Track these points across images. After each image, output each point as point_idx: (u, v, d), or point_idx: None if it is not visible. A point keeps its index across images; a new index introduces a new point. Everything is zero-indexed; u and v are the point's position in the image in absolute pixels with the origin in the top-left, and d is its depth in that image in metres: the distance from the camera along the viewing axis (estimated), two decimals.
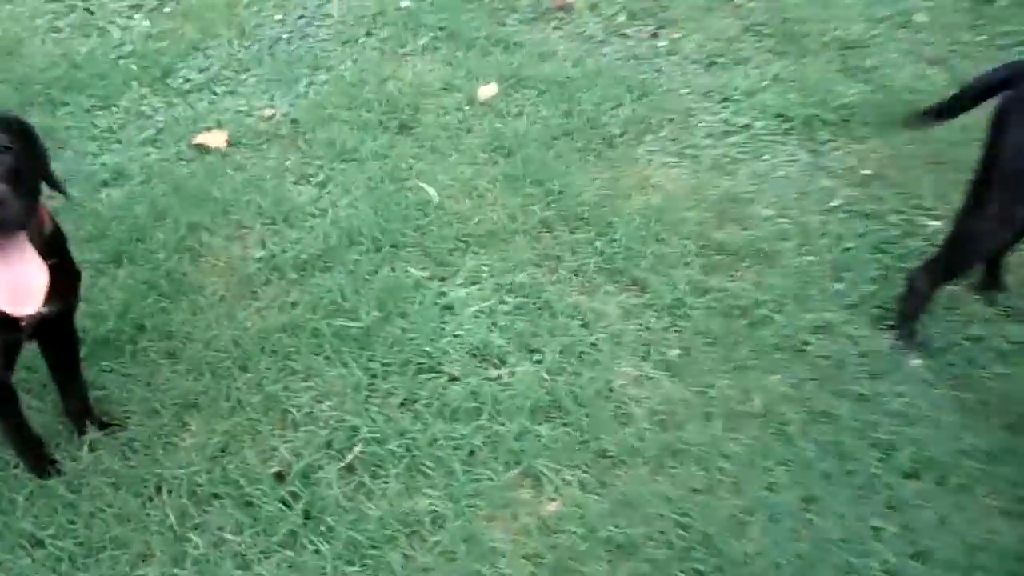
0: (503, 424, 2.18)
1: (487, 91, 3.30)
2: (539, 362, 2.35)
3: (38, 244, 1.63)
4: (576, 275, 2.60)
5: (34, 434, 2.10)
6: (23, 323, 1.75)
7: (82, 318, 2.31)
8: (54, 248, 1.78)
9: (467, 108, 3.24)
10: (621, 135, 3.07)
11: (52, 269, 1.61)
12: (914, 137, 2.92)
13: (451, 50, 3.56)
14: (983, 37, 3.49)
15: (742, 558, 1.89)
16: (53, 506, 2.07)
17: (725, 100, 3.21)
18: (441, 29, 3.66)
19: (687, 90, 3.27)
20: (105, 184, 3.03)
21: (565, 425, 2.19)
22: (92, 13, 4.00)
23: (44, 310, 1.67)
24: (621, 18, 3.70)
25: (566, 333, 2.42)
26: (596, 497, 2.04)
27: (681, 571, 1.87)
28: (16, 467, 2.12)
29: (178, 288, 2.59)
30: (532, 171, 2.92)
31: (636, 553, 1.92)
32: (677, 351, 2.37)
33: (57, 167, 2.92)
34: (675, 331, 2.43)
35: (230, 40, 3.71)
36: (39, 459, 2.11)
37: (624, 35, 3.61)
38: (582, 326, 2.44)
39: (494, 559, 1.93)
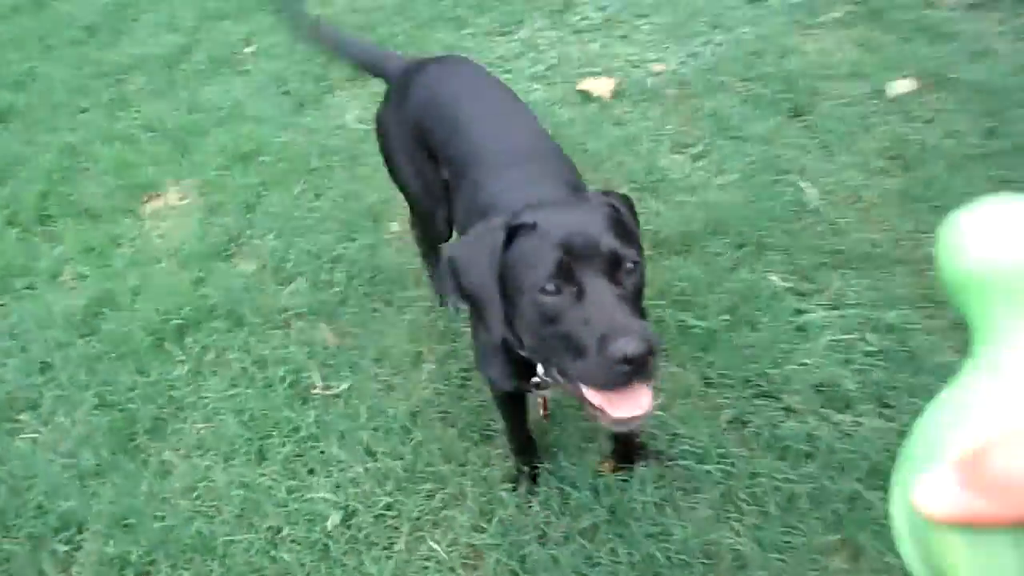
0: (833, 480, 2.01)
1: (901, 86, 2.95)
2: (891, 420, 2.12)
3: None
4: (957, 328, 2.29)
5: (529, 437, 2.09)
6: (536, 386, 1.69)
7: None
8: None
9: (873, 102, 2.92)
10: None
11: None
12: None
13: (868, 29, 3.22)
14: None
15: None
16: (389, 425, 2.26)
17: None
18: (861, 3, 3.30)
19: None
20: None
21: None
22: None
23: None
24: None
25: (928, 394, 2.14)
26: None
27: None
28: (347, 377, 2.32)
29: None
30: (933, 193, 2.59)
31: None
32: None
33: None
34: None
35: None
36: (523, 456, 2.10)
37: None
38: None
39: None
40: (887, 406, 2.15)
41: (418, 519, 2.09)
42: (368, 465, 2.20)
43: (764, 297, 2.40)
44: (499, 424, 2.21)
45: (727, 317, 2.35)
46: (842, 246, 2.50)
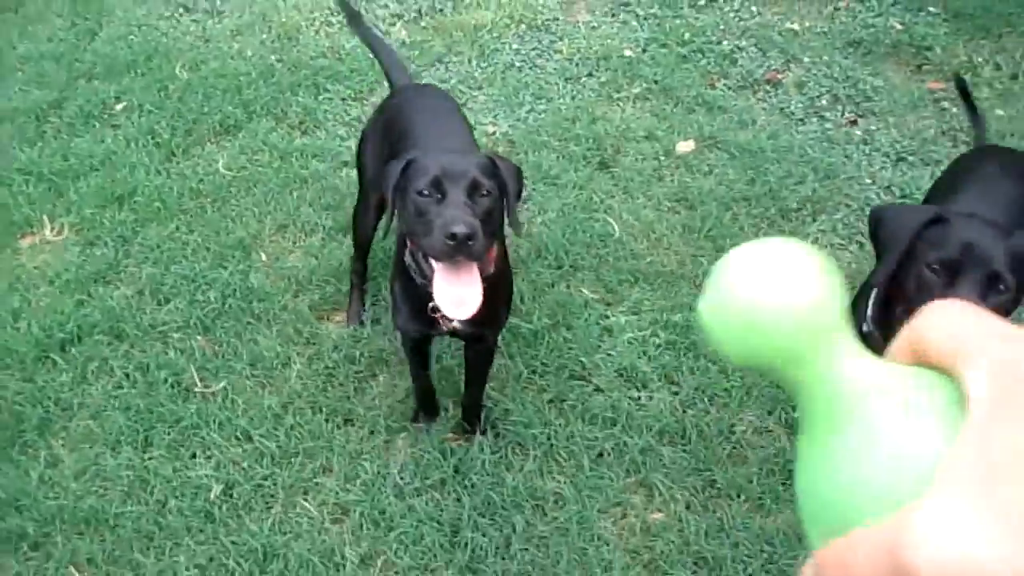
0: (632, 437, 2.53)
1: (684, 146, 3.64)
2: (676, 393, 2.68)
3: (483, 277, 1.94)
4: None
5: (432, 389, 2.57)
6: (440, 325, 2.16)
7: (308, 259, 2.87)
8: (495, 287, 2.08)
9: (663, 158, 3.59)
10: (797, 210, 3.34)
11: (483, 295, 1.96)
12: None
13: (660, 103, 3.93)
14: None
15: None
16: (264, 414, 2.62)
17: (904, 197, 3.40)
18: (655, 82, 4.03)
19: (870, 181, 3.48)
20: (345, 165, 3.60)
21: (685, 451, 2.52)
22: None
23: (459, 325, 2.10)
24: (824, 101, 3.94)
25: (705, 374, 2.73)
26: (697, 517, 2.35)
27: None
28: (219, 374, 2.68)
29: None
30: (708, 226, 3.24)
31: (720, 572, 2.22)
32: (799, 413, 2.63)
33: (309, 141, 3.55)
34: None
35: (470, 59, 4.24)
36: (424, 407, 2.58)
37: (823, 117, 3.85)
38: (720, 372, 2.74)
39: (599, 544, 2.29)
40: (673, 383, 2.72)
41: (291, 487, 2.44)
42: (245, 447, 2.54)
43: (577, 306, 2.94)
44: (360, 408, 2.62)
45: (548, 321, 2.88)
46: (639, 267, 3.10)
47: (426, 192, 1.86)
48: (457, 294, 1.84)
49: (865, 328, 1.99)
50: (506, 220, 2.06)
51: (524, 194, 2.66)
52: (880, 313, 1.98)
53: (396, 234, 2.23)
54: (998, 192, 2.18)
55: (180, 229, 3.28)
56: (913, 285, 1.82)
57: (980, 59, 4.11)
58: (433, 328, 2.19)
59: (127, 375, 2.74)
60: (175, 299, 2.99)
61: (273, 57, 4.24)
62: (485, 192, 1.90)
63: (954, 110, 3.79)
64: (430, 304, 2.02)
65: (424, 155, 1.94)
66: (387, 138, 2.58)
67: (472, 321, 2.03)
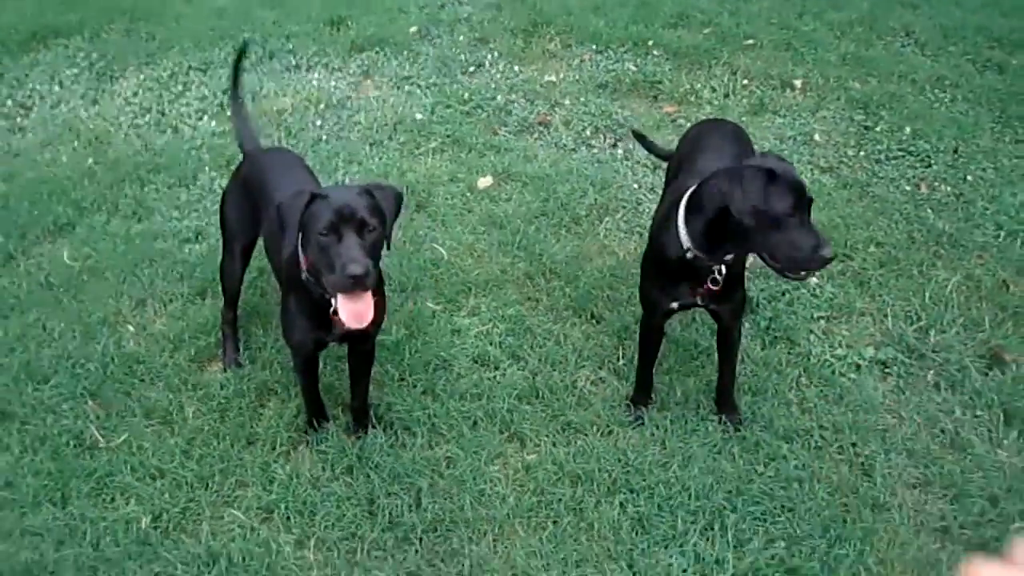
0: (497, 404, 3.05)
1: (484, 182, 4.29)
2: (523, 367, 3.24)
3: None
4: (551, 311, 3.52)
5: (320, 399, 2.94)
6: (334, 330, 2.57)
7: (175, 322, 3.20)
8: (376, 291, 2.48)
9: (468, 194, 4.21)
10: (586, 216, 4.05)
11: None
12: None
13: (455, 152, 4.57)
14: (863, 152, 4.56)
15: (663, 480, 2.75)
16: (172, 451, 2.89)
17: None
18: (448, 136, 4.68)
19: (637, 186, 4.28)
20: (188, 241, 3.93)
21: (542, 406, 3.07)
22: (164, 115, 4.99)
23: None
24: (588, 132, 4.75)
25: (543, 348, 3.31)
26: (563, 449, 2.90)
27: (622, 488, 2.73)
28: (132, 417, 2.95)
29: (254, 310, 3.48)
30: (518, 240, 3.86)
31: (590, 481, 2.77)
32: (622, 361, 3.27)
33: (146, 226, 3.87)
34: (622, 348, 3.33)
35: (280, 139, 4.70)
36: (317, 415, 2.94)
37: (590, 144, 4.65)
38: (555, 344, 3.34)
39: (492, 485, 2.77)
40: (520, 359, 3.27)
41: (215, 503, 2.74)
42: (161, 482, 2.80)
43: (426, 317, 3.45)
44: (260, 430, 2.97)
45: (405, 332, 3.35)
46: (470, 279, 3.65)
47: (325, 233, 2.28)
48: (356, 309, 2.32)
49: (689, 255, 2.60)
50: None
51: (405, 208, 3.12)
52: (704, 239, 2.57)
53: (284, 261, 2.64)
54: (723, 151, 2.95)
55: (40, 319, 3.47)
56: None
57: (699, 85, 5.11)
58: (329, 333, 2.62)
59: (26, 447, 2.92)
60: (55, 376, 3.19)
61: (90, 160, 4.49)
62: (371, 228, 2.34)
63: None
64: (330, 309, 2.47)
65: (321, 197, 2.33)
66: (247, 195, 3.01)
67: None
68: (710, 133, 3.16)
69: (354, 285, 2.26)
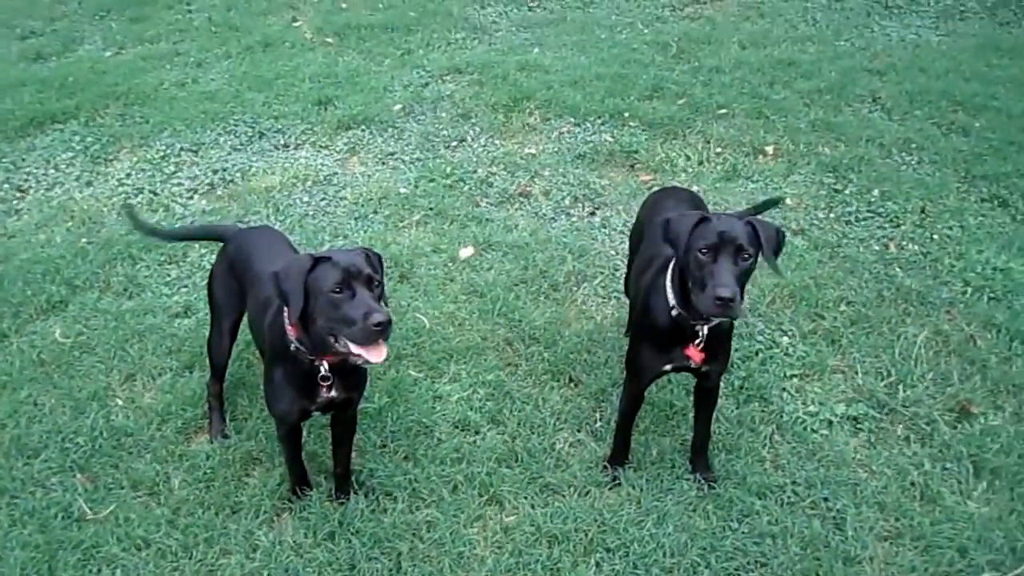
0: (476, 468, 3.12)
1: (465, 252, 4.42)
2: (503, 431, 3.32)
3: None
4: (530, 375, 3.61)
5: (304, 466, 3.02)
6: (321, 396, 2.67)
7: (163, 395, 3.28)
8: None
9: (450, 264, 4.34)
10: (564, 282, 4.17)
11: (348, 369, 2.60)
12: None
13: (438, 224, 4.71)
14: (833, 214, 4.71)
15: (638, 538, 2.81)
16: (158, 521, 2.95)
17: None
18: (431, 209, 4.83)
19: (614, 252, 4.41)
20: (177, 316, 4.03)
21: (521, 468, 3.13)
22: (156, 195, 5.14)
23: (335, 394, 2.66)
24: (567, 201, 4.90)
25: (522, 412, 3.40)
26: (541, 511, 2.96)
27: (598, 548, 2.79)
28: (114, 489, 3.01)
29: (240, 381, 3.57)
30: (499, 307, 3.97)
31: (567, 541, 2.83)
32: (600, 423, 3.35)
33: (136, 302, 3.98)
34: (599, 411, 3.41)
35: (268, 215, 4.85)
36: (300, 483, 3.01)
37: (568, 213, 4.81)
38: (534, 408, 3.42)
39: (471, 547, 2.83)
40: (499, 423, 3.35)
41: (198, 572, 2.79)
42: (147, 552, 2.86)
43: (408, 384, 3.54)
44: (244, 498, 3.03)
45: (387, 399, 3.44)
46: (451, 346, 3.75)
47: (338, 290, 2.39)
48: (377, 350, 2.39)
49: (674, 312, 2.70)
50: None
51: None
52: (680, 296, 2.68)
53: (268, 330, 2.75)
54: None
55: (31, 395, 3.55)
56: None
57: (674, 154, 5.29)
58: (313, 402, 2.70)
59: (15, 520, 2.97)
60: (44, 451, 3.25)
61: (83, 240, 4.62)
62: (377, 283, 2.48)
63: None
64: (319, 375, 2.57)
65: (324, 259, 2.44)
66: (233, 273, 3.12)
67: (345, 386, 2.68)
68: (665, 199, 3.31)
69: (380, 334, 2.34)
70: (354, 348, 2.38)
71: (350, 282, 2.40)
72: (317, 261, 2.45)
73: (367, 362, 2.40)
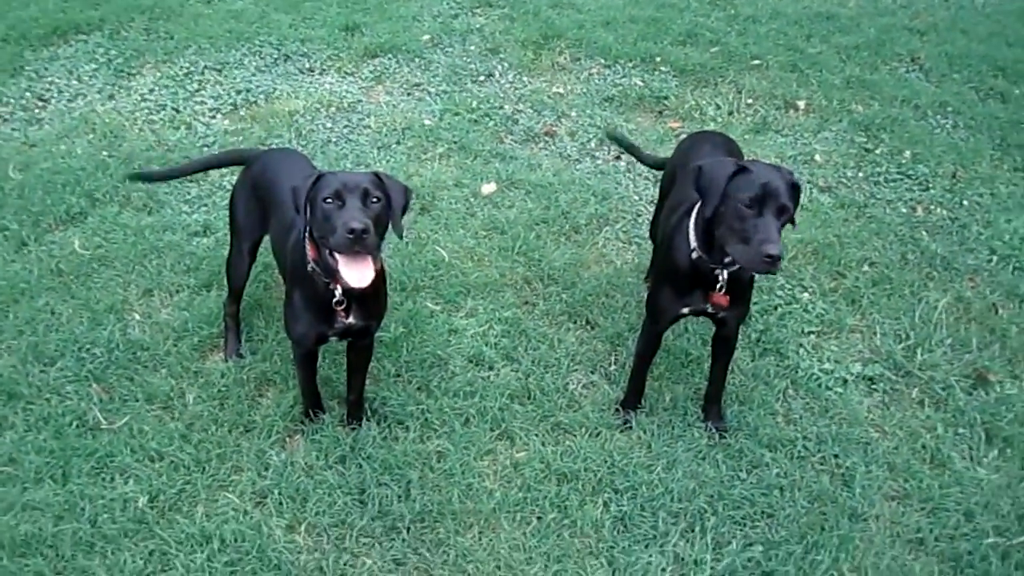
0: (489, 402, 3.13)
1: (488, 188, 4.37)
2: (517, 368, 3.32)
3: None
4: (547, 315, 3.60)
5: (317, 390, 3.04)
6: (338, 321, 2.66)
7: (180, 312, 3.29)
8: (379, 278, 2.66)
9: (472, 199, 4.30)
10: (586, 225, 4.13)
11: (370, 293, 2.55)
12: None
13: (461, 158, 4.66)
14: (862, 173, 4.64)
15: (647, 482, 2.82)
16: (171, 435, 2.97)
17: None
18: (454, 143, 4.77)
19: (637, 197, 4.36)
20: (196, 234, 4.02)
21: (533, 406, 3.14)
22: (178, 112, 5.09)
23: (352, 321, 2.65)
24: (593, 144, 4.84)
25: (537, 350, 3.39)
26: (551, 449, 2.97)
27: (606, 488, 2.80)
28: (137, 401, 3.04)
29: (257, 303, 3.57)
30: (518, 245, 3.94)
31: (576, 479, 2.84)
32: (614, 367, 3.35)
33: (156, 219, 3.96)
34: (614, 354, 3.41)
35: (290, 140, 4.80)
36: (313, 406, 3.04)
37: (594, 156, 4.74)
38: (549, 347, 3.41)
39: (480, 480, 2.85)
40: (513, 360, 3.35)
41: (210, 486, 2.82)
42: (160, 464, 2.89)
43: (424, 316, 3.53)
44: (257, 418, 3.05)
45: (403, 329, 3.43)
46: (469, 281, 3.73)
47: (330, 200, 2.39)
48: (358, 269, 2.38)
49: (694, 255, 2.68)
50: (391, 225, 2.60)
51: (409, 210, 3.19)
52: (703, 241, 2.66)
53: (290, 250, 2.73)
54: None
55: (49, 304, 3.55)
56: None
57: (704, 102, 5.20)
58: (331, 328, 2.69)
59: (30, 425, 3.00)
60: (61, 360, 3.27)
61: (104, 153, 4.59)
62: (375, 199, 2.44)
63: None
64: (334, 299, 2.56)
65: (327, 173, 2.46)
66: (255, 194, 3.10)
67: (362, 314, 2.67)
68: (702, 143, 3.24)
69: (353, 242, 2.31)
70: (341, 265, 2.39)
71: (342, 193, 2.39)
72: (321, 175, 2.46)
73: (348, 285, 2.40)
